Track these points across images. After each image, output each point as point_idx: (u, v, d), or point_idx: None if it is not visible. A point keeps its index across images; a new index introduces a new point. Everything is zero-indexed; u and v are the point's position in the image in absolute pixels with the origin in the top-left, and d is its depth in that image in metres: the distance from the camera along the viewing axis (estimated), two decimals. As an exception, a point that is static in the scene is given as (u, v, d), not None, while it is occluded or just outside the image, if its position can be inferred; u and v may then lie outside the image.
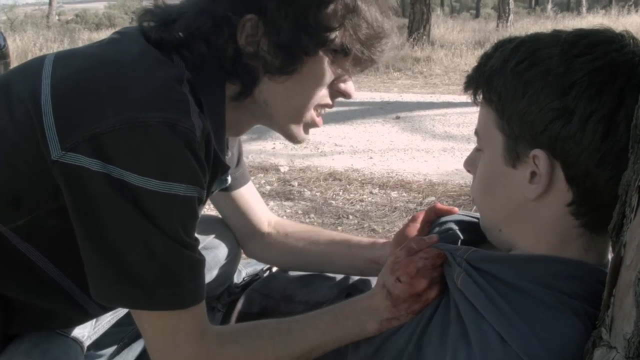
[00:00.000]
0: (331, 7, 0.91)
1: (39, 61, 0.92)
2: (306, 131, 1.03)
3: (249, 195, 1.27)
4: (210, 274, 1.24)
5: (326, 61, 0.94)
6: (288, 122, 1.00)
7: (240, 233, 1.31)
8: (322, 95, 0.98)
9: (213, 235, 1.28)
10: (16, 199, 0.86)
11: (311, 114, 1.00)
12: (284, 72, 0.93)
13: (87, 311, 1.01)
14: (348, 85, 1.00)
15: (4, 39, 7.63)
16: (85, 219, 0.82)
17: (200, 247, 0.89)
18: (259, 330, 0.94)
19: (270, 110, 0.98)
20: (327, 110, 1.04)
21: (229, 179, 1.08)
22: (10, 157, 0.85)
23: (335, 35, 0.92)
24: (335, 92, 1.00)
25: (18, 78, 0.92)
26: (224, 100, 0.94)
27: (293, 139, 1.03)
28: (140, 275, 0.82)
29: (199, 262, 0.87)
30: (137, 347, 1.28)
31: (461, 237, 0.98)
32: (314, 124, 1.02)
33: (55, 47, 11.45)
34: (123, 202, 0.79)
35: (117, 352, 1.28)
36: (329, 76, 0.96)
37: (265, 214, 1.30)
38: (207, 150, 0.87)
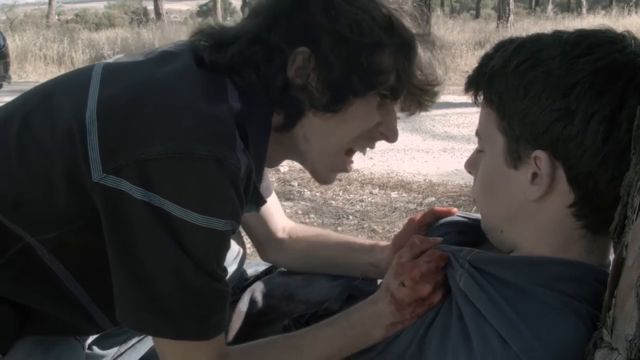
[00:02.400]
0: (386, 51, 0.89)
1: (86, 73, 0.90)
2: (334, 176, 1.03)
3: (271, 206, 1.26)
4: None
5: (373, 104, 0.93)
6: (321, 161, 0.99)
7: (256, 238, 1.32)
8: (364, 137, 0.97)
9: None
10: (48, 213, 0.85)
11: (343, 158, 0.99)
12: (329, 110, 0.91)
13: (100, 326, 1.01)
14: (392, 130, 0.98)
15: (4, 39, 7.64)
16: (120, 243, 0.81)
17: None
18: (267, 351, 0.94)
19: (308, 146, 0.96)
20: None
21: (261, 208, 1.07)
22: (47, 172, 0.84)
23: (387, 79, 0.90)
24: (379, 134, 0.98)
25: (63, 90, 0.91)
26: (269, 132, 0.92)
27: (322, 179, 1.03)
28: (169, 305, 0.82)
29: (226, 294, 0.87)
30: (140, 348, 1.28)
31: (458, 239, 0.98)
32: (343, 169, 1.01)
33: (55, 47, 11.45)
34: (160, 231, 0.79)
35: (120, 353, 1.27)
36: (374, 119, 0.95)
37: (282, 221, 1.31)
38: (247, 185, 0.86)
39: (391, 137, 0.99)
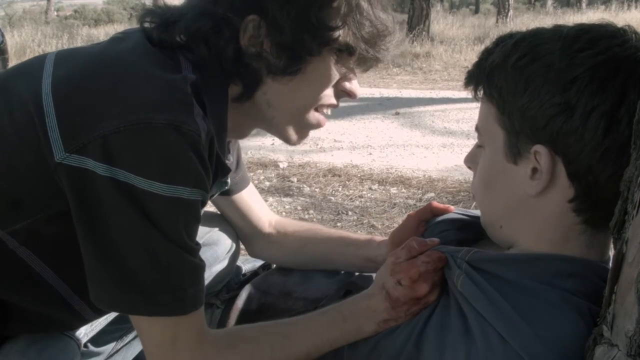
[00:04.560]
0: (333, 5, 0.90)
1: (39, 61, 0.90)
2: (306, 133, 1.03)
3: (250, 198, 1.26)
4: (209, 271, 1.23)
5: (330, 61, 0.93)
6: (288, 124, 0.99)
7: (242, 234, 1.31)
8: (327, 95, 0.97)
9: (213, 232, 1.27)
10: (15, 202, 0.85)
11: (314, 115, 0.99)
12: (287, 73, 0.92)
13: (82, 317, 1.00)
14: (353, 85, 1.00)
15: (3, 35, 7.62)
16: (88, 222, 0.81)
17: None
18: (256, 335, 0.94)
19: (272, 111, 0.97)
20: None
21: (229, 181, 1.06)
22: (10, 159, 0.84)
23: (339, 35, 0.91)
24: (340, 91, 0.99)
25: (17, 78, 0.91)
26: (226, 102, 0.93)
27: (289, 140, 1.03)
28: (141, 280, 0.81)
29: (200, 267, 0.87)
30: (136, 345, 1.28)
31: (456, 237, 0.97)
32: (318, 125, 1.01)
33: (53, 43, 11.42)
34: (126, 205, 0.78)
35: (116, 350, 1.27)
36: (333, 76, 0.95)
37: (266, 215, 1.30)
38: (210, 153, 0.86)
39: (353, 92, 1.00)
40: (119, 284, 0.81)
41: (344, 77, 0.97)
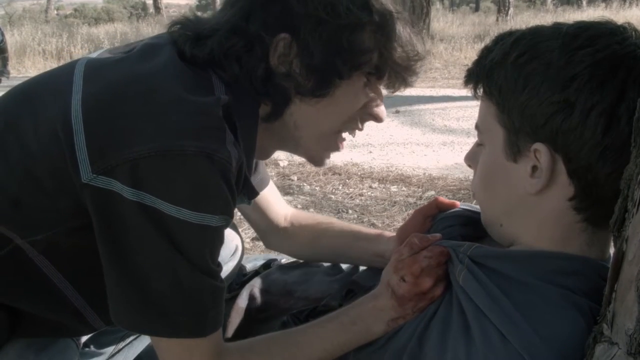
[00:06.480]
0: (366, 29, 0.89)
1: (67, 73, 0.88)
2: (329, 155, 1.03)
3: (269, 196, 1.26)
4: None
5: (359, 84, 0.93)
6: (316, 146, 0.99)
7: (258, 228, 1.32)
8: (353, 119, 0.97)
9: None
10: (37, 215, 0.85)
11: (336, 138, 0.99)
12: (316, 95, 0.91)
13: (94, 328, 1.00)
14: (380, 109, 0.99)
15: (3, 34, 7.63)
16: (112, 244, 0.80)
17: None
18: (267, 347, 0.93)
19: (299, 132, 0.96)
20: None
21: (253, 201, 1.06)
22: (34, 174, 0.83)
23: (370, 59, 0.90)
24: (367, 115, 0.98)
25: (44, 91, 0.89)
26: (257, 123, 0.92)
27: (317, 162, 1.03)
28: (163, 303, 0.81)
29: (221, 290, 0.87)
30: (137, 345, 1.28)
31: (461, 232, 0.97)
32: (336, 149, 1.01)
33: (53, 42, 11.42)
34: (153, 230, 0.78)
35: (117, 350, 1.27)
36: (361, 100, 0.95)
37: (282, 210, 1.30)
38: (239, 178, 0.86)
39: (379, 117, 0.99)
40: (141, 306, 0.82)
41: (370, 101, 0.96)
